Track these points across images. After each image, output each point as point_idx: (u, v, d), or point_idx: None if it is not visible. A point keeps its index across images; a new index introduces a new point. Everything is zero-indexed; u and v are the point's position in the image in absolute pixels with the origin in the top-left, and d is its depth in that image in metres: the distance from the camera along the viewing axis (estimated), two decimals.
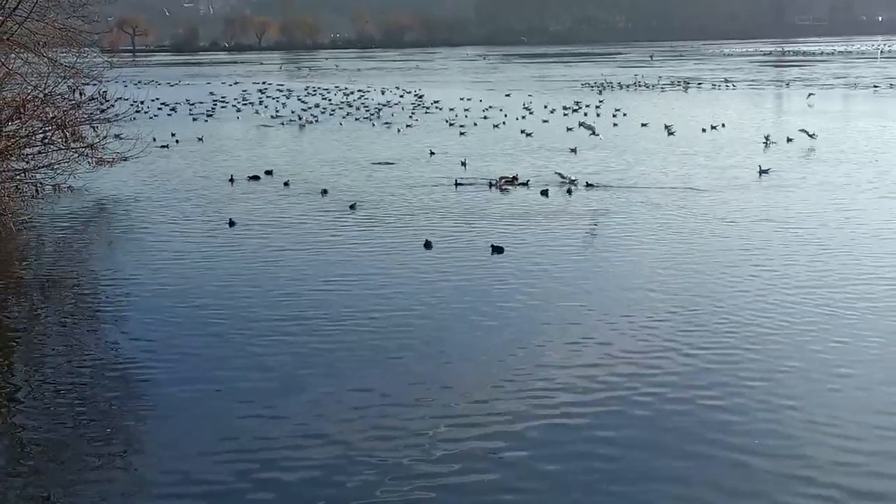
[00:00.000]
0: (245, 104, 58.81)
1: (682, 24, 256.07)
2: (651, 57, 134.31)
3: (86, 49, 25.83)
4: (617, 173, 28.25)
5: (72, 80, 24.97)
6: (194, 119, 49.46)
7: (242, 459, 9.63)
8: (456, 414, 10.62)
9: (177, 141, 38.53)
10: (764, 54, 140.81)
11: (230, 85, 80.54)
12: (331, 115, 50.58)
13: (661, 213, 22.08)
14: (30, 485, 9.30)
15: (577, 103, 52.67)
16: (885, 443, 9.83)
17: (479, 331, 13.57)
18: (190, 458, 9.68)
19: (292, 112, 51.50)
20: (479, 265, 17.37)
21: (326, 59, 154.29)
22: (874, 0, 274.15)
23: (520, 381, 11.53)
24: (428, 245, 18.87)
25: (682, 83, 74.14)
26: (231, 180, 28.00)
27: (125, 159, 27.05)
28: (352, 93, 66.40)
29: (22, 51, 22.91)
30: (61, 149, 24.76)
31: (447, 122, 45.22)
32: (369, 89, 70.04)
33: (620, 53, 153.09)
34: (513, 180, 26.53)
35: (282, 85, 78.34)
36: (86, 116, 25.32)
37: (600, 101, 53.86)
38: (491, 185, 26.00)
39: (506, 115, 47.10)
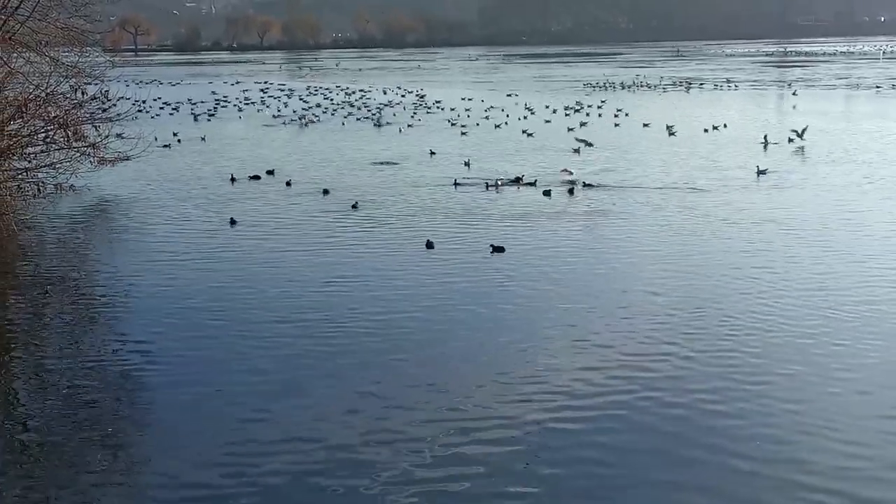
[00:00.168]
0: (247, 104, 58.86)
1: (683, 24, 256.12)
2: (678, 52, 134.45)
3: (88, 48, 25.88)
4: (618, 174, 28.24)
5: (74, 80, 25.02)
6: (195, 119, 49.45)
7: (242, 461, 9.61)
8: (456, 417, 10.59)
9: (179, 140, 38.56)
10: (766, 55, 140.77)
11: (232, 84, 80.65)
12: (332, 114, 50.62)
13: (661, 213, 22.07)
14: (29, 486, 9.29)
15: (578, 103, 52.72)
16: (886, 447, 9.76)
17: (480, 332, 13.55)
18: (189, 460, 9.66)
19: (294, 112, 51.54)
20: (480, 266, 17.37)
21: (327, 58, 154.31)
22: (876, 1, 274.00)
23: (520, 383, 11.51)
24: (430, 245, 18.86)
25: (683, 83, 74.15)
26: (232, 180, 28.02)
27: (127, 159, 27.09)
28: (353, 92, 66.46)
29: (24, 50, 22.95)
30: (63, 148, 24.81)
31: (449, 122, 45.24)
32: (371, 89, 70.09)
33: (622, 54, 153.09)
34: (517, 181, 26.55)
35: (283, 84, 78.42)
36: (88, 116, 25.36)
37: (602, 102, 53.86)
38: (488, 186, 25.97)
39: (507, 116, 47.11)
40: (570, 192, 25.02)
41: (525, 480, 9.14)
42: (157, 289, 16.24)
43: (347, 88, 71.02)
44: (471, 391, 11.31)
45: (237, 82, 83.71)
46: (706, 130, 39.38)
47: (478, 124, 44.05)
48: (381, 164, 31.52)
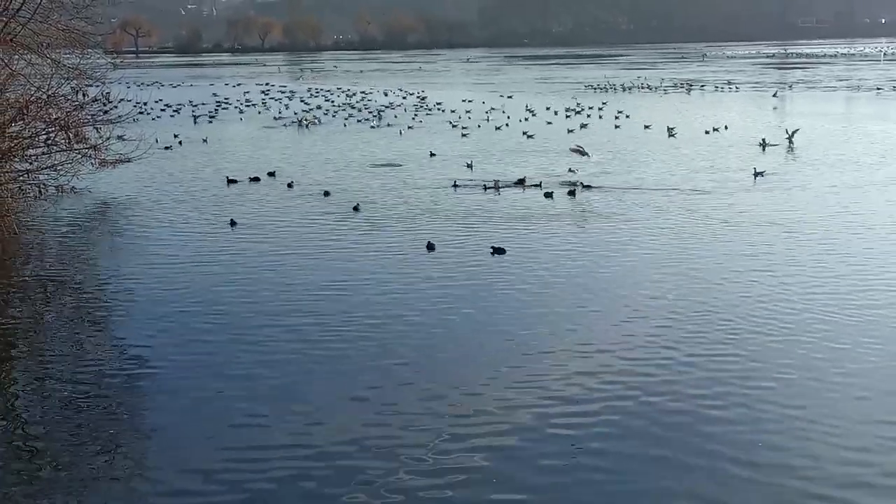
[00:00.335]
0: (248, 105, 58.92)
1: (683, 24, 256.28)
2: (703, 57, 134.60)
3: (89, 50, 25.85)
4: (619, 175, 28.26)
5: (75, 82, 25.01)
6: (196, 121, 49.46)
7: (240, 466, 9.60)
8: (456, 419, 10.58)
9: (180, 142, 38.60)
10: (767, 56, 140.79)
11: (233, 86, 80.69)
12: (333, 116, 50.66)
13: (662, 215, 22.07)
14: (30, 487, 9.31)
15: (578, 105, 52.75)
16: (887, 454, 9.72)
17: (480, 334, 13.56)
18: (187, 464, 9.66)
19: (295, 113, 51.59)
20: (481, 268, 17.37)
21: (328, 60, 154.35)
22: (877, 2, 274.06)
23: (519, 387, 11.49)
24: (430, 247, 18.87)
25: (684, 85, 74.16)
26: (229, 182, 27.95)
27: (128, 160, 27.12)
28: (354, 94, 66.49)
29: (25, 52, 22.94)
30: (64, 150, 24.82)
31: (450, 123, 45.26)
32: (372, 91, 70.12)
33: (623, 55, 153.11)
34: (521, 182, 26.60)
35: (284, 86, 78.45)
36: (89, 117, 25.35)
37: (603, 104, 53.86)
38: (486, 187, 25.97)
39: (508, 117, 47.12)
40: (571, 193, 25.03)
41: (523, 487, 9.11)
42: (157, 291, 16.25)
43: (348, 90, 71.07)
44: (470, 394, 11.29)
45: (238, 84, 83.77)
46: (707, 132, 39.42)
47: (479, 126, 44.09)
48: (382, 165, 31.53)
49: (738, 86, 72.39)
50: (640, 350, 12.74)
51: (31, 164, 24.49)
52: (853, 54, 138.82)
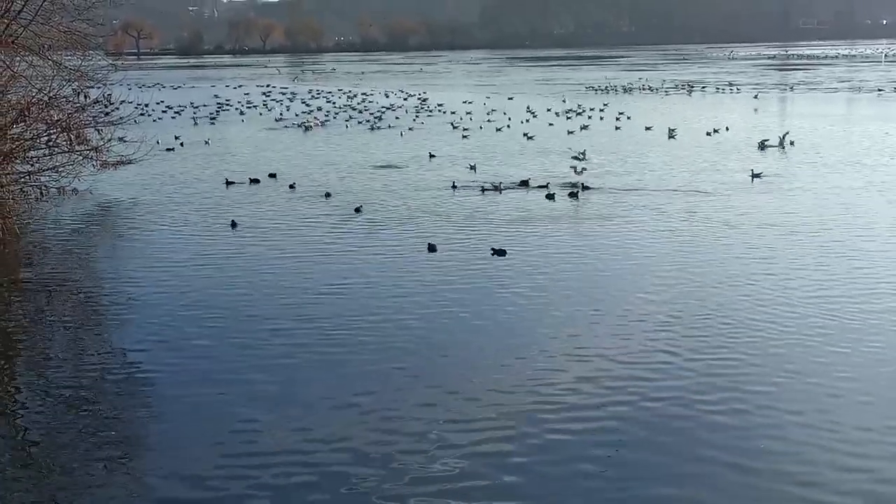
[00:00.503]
0: (249, 107, 58.96)
1: (683, 25, 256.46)
2: (730, 56, 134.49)
3: (90, 52, 25.87)
4: (620, 177, 28.26)
5: (76, 83, 25.05)
6: (195, 123, 49.45)
7: (244, 464, 9.62)
8: (457, 420, 10.57)
9: (181, 144, 38.61)
10: (768, 58, 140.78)
11: (234, 88, 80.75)
12: (334, 118, 50.67)
13: (663, 217, 22.07)
14: (31, 488, 9.31)
15: (580, 106, 52.76)
16: (886, 452, 9.71)
17: (481, 336, 13.56)
18: (191, 463, 9.67)
19: (296, 115, 51.64)
20: (482, 269, 17.37)
21: (329, 62, 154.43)
22: (878, 4, 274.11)
23: (519, 390, 11.47)
24: (432, 248, 18.87)
25: (685, 86, 74.18)
26: (227, 184, 27.93)
27: (129, 162, 27.13)
28: (355, 96, 66.51)
29: (27, 54, 22.96)
30: (66, 151, 24.84)
31: (451, 125, 45.28)
32: (373, 92, 70.15)
33: (624, 57, 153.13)
34: (525, 184, 26.62)
35: (285, 88, 78.49)
36: (90, 119, 25.38)
37: (604, 105, 53.87)
38: (483, 189, 25.95)
39: (510, 119, 47.13)
40: (572, 195, 25.03)
41: (522, 495, 9.06)
42: (158, 293, 16.24)
43: (350, 92, 71.10)
44: (470, 397, 11.27)
45: (239, 86, 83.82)
46: (708, 133, 39.41)
47: (480, 127, 44.10)
48: (384, 167, 31.54)
49: (739, 87, 72.37)
50: (640, 353, 12.70)
51: (32, 165, 24.52)
52: (854, 55, 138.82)
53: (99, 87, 27.08)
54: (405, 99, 63.71)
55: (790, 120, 46.02)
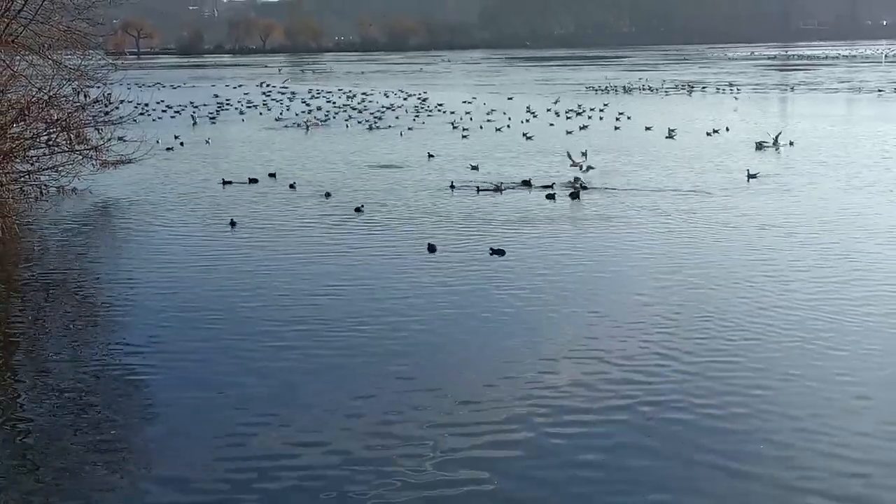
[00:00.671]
0: (249, 107, 58.96)
1: (683, 25, 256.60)
2: (752, 53, 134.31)
3: (90, 51, 25.88)
4: (620, 177, 28.25)
5: (76, 83, 25.06)
6: (195, 123, 49.42)
7: (242, 465, 9.59)
8: (456, 421, 10.55)
9: (181, 144, 38.61)
10: (769, 58, 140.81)
11: (234, 87, 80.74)
12: (334, 117, 50.68)
13: (663, 217, 22.06)
14: (30, 489, 9.30)
15: (580, 106, 52.76)
16: (883, 458, 9.66)
17: (480, 336, 13.55)
18: (190, 464, 9.64)
19: (296, 115, 51.63)
20: (482, 269, 17.35)
21: (329, 62, 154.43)
22: (878, 4, 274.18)
23: (518, 390, 11.45)
24: (431, 249, 18.86)
25: (686, 87, 74.18)
26: (224, 183, 27.87)
27: (129, 162, 27.13)
28: (355, 96, 66.51)
29: (27, 53, 22.97)
30: (65, 151, 24.85)
31: (451, 125, 45.27)
32: (373, 92, 70.15)
33: (624, 57, 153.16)
34: (527, 184, 26.65)
35: (285, 88, 78.50)
36: (90, 119, 25.37)
37: (604, 105, 53.86)
38: (479, 189, 25.93)
39: (509, 119, 47.12)
40: (572, 195, 25.02)
41: (526, 484, 9.10)
42: (157, 293, 16.24)
43: (349, 91, 71.08)
44: (469, 397, 11.25)
45: (239, 85, 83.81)
46: (708, 134, 39.41)
47: (480, 127, 44.10)
48: (383, 167, 31.54)
49: (739, 87, 72.35)
50: (639, 355, 12.66)
51: (32, 165, 24.52)
52: (854, 56, 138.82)
53: (99, 87, 27.06)
54: (405, 99, 63.72)
55: (790, 120, 46.03)
